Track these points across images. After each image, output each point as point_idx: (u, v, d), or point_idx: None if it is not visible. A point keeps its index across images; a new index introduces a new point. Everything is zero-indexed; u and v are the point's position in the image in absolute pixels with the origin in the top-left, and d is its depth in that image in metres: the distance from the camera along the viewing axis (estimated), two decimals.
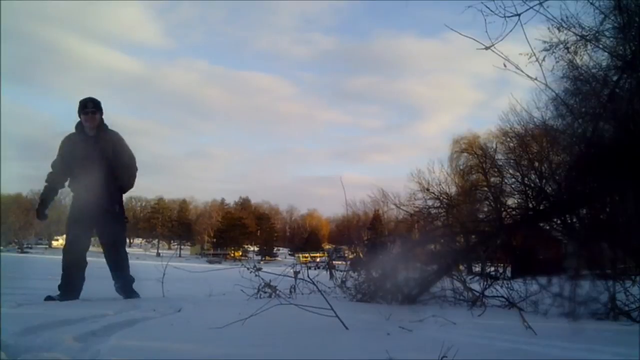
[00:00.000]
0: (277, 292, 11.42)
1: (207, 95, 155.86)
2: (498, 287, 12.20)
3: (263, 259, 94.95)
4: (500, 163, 34.42)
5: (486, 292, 11.91)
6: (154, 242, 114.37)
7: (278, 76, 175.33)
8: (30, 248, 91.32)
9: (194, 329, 7.46)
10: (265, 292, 11.63)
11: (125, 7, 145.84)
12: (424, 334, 7.50)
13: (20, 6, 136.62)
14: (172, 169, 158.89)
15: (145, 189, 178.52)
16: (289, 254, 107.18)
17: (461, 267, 13.43)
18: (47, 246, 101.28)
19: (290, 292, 11.58)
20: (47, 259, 49.76)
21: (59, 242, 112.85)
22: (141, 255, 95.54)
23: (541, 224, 15.20)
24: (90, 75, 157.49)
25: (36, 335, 6.21)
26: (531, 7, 10.15)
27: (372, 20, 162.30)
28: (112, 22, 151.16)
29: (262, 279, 11.60)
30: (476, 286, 12.30)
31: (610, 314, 9.70)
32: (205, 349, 5.95)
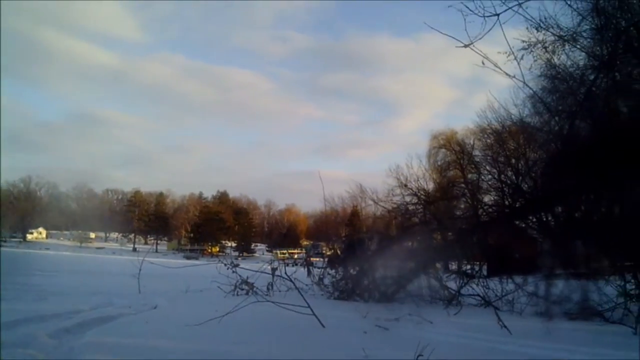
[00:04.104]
0: (255, 289, 11.41)
1: (185, 89, 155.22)
2: (474, 286, 12.33)
3: (240, 255, 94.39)
4: (478, 159, 34.61)
5: (462, 291, 12.02)
6: (130, 236, 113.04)
7: (255, 72, 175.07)
8: (4, 241, 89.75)
9: (170, 326, 7.42)
10: (242, 289, 11.61)
11: (102, 1, 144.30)
12: (400, 332, 7.55)
13: None
14: (150, 161, 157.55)
15: (121, 181, 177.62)
16: (267, 250, 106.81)
17: (438, 265, 13.52)
18: (21, 240, 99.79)
19: (268, 289, 11.57)
20: (22, 253, 49.24)
21: (34, 235, 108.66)
22: (117, 250, 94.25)
23: (517, 222, 15.38)
24: (68, 67, 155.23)
25: (10, 332, 6.13)
26: (510, 8, 10.22)
27: (346, 19, 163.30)
28: (90, 16, 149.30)
29: (240, 275, 11.58)
30: (452, 284, 12.40)
31: (583, 313, 9.85)
32: (182, 346, 5.93)
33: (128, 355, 5.31)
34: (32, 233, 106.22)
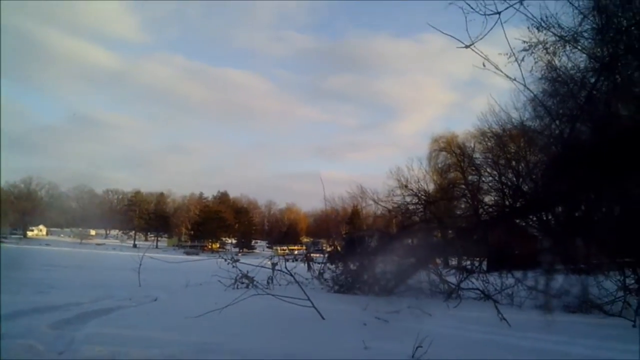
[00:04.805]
0: (255, 282, 11.42)
1: (185, 90, 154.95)
2: (474, 280, 12.33)
3: (241, 251, 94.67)
4: (478, 162, 34.61)
5: (462, 285, 12.03)
6: (130, 233, 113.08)
7: (255, 73, 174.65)
8: (5, 238, 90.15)
9: (170, 318, 7.45)
10: (242, 283, 11.63)
11: (103, 1, 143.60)
12: (399, 324, 7.57)
13: None
14: (150, 162, 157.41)
15: (121, 181, 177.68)
16: (267, 247, 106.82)
17: (438, 261, 13.54)
18: (21, 236, 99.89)
19: (268, 283, 11.58)
20: (22, 249, 49.21)
21: (34, 232, 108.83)
22: (117, 246, 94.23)
23: (517, 221, 15.40)
24: (68, 68, 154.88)
25: (11, 323, 6.15)
26: (511, 6, 10.19)
27: (346, 19, 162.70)
28: (90, 15, 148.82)
29: (240, 270, 11.59)
30: (452, 279, 12.43)
31: (583, 307, 9.88)
32: (181, 337, 5.94)
33: (128, 346, 5.31)
34: (32, 230, 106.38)
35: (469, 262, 13.71)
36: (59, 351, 5.03)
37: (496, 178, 27.91)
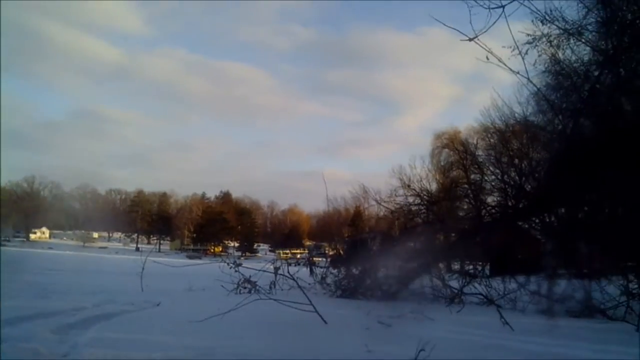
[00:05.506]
0: (257, 287, 11.43)
1: (187, 85, 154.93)
2: (477, 285, 12.32)
3: (243, 254, 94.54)
4: (481, 159, 34.46)
5: (465, 290, 12.02)
6: (133, 236, 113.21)
7: (257, 67, 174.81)
8: (8, 241, 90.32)
9: (172, 322, 7.45)
10: (245, 288, 11.64)
11: None
12: (402, 329, 7.57)
13: None
14: (153, 160, 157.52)
15: (124, 181, 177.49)
16: (270, 250, 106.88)
17: (440, 265, 13.52)
18: (24, 239, 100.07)
19: (270, 287, 11.59)
20: (25, 252, 49.34)
21: (37, 235, 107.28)
22: (120, 249, 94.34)
23: (520, 223, 15.37)
24: (71, 63, 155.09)
25: (14, 327, 6.17)
26: None
27: (350, 12, 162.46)
28: (93, 9, 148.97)
29: (242, 274, 11.61)
30: (455, 284, 12.41)
31: (585, 311, 9.86)
32: (184, 341, 5.94)
33: (131, 350, 5.34)
34: (35, 233, 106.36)
35: (471, 267, 13.70)
36: (63, 355, 5.03)
37: (499, 177, 27.73)
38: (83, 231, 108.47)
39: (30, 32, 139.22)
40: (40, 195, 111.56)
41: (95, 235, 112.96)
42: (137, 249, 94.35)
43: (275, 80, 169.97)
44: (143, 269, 13.21)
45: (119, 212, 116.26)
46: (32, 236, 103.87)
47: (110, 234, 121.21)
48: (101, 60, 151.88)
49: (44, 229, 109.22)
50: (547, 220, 15.16)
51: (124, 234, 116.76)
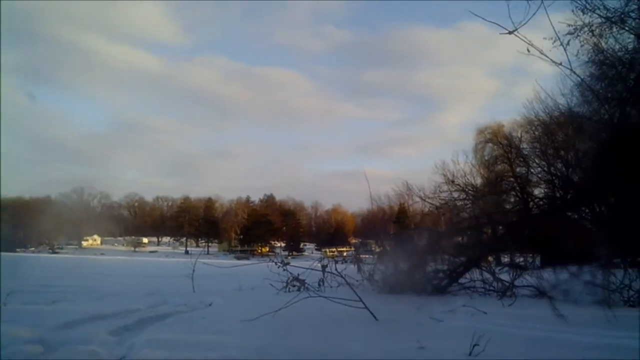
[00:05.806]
0: (306, 285, 11.48)
1: (228, 92, 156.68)
2: (528, 277, 12.09)
3: (290, 254, 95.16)
4: (526, 152, 33.81)
5: (516, 282, 11.82)
6: (181, 240, 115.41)
7: (295, 71, 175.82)
8: (61, 248, 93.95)
9: (225, 322, 7.55)
10: (294, 286, 11.68)
11: (143, 5, 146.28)
12: (454, 323, 7.51)
13: (43, 7, 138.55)
14: (197, 168, 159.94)
15: (171, 188, 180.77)
16: (316, 249, 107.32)
17: (490, 258, 13.34)
18: (77, 247, 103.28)
19: (319, 285, 11.62)
20: (78, 258, 50.72)
21: (89, 242, 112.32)
22: (170, 253, 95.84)
23: (569, 213, 15.04)
24: (114, 75, 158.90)
25: (72, 330, 6.36)
26: None
27: (384, 12, 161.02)
28: (132, 21, 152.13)
29: (290, 273, 11.65)
30: (505, 276, 12.22)
31: None
32: (238, 340, 6.03)
33: (186, 350, 5.44)
34: (87, 240, 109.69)
35: (521, 259, 13.47)
36: (120, 356, 5.16)
37: (545, 169, 27.20)
38: (133, 237, 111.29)
39: (72, 46, 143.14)
40: (90, 205, 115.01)
41: (145, 240, 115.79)
42: (187, 251, 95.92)
43: (313, 83, 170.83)
44: (194, 270, 13.45)
45: (166, 218, 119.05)
46: (84, 243, 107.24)
47: (160, 239, 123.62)
48: (142, 70, 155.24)
49: (95, 236, 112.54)
50: (597, 209, 14.81)
51: (172, 238, 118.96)
